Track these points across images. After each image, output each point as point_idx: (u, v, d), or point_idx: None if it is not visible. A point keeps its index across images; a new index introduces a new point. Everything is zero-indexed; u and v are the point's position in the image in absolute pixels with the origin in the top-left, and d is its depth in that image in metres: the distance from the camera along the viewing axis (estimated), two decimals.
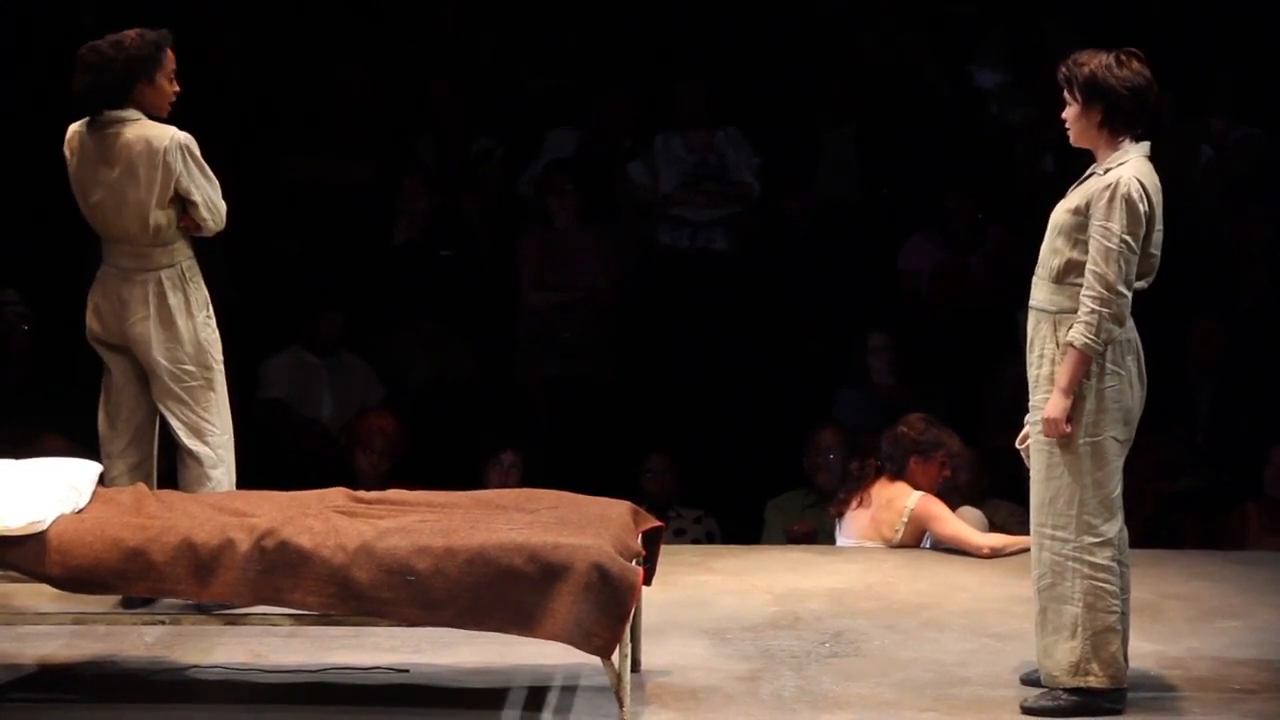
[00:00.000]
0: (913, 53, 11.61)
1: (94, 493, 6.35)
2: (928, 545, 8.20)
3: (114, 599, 6.57)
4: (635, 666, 6.32)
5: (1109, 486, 6.13)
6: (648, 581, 6.37)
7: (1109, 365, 6.08)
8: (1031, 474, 6.24)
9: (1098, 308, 6.01)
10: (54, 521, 6.08)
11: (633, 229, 11.06)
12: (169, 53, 6.86)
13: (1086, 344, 6.01)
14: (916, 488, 8.20)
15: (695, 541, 9.38)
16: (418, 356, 10.64)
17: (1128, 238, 6.03)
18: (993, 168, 11.15)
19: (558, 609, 5.86)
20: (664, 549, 6.70)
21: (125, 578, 6.05)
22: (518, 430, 9.69)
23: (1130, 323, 6.13)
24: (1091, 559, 6.13)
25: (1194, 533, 9.12)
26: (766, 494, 9.50)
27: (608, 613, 5.86)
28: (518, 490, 6.93)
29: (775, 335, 10.53)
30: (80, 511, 6.21)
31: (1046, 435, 6.11)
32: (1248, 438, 9.71)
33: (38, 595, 6.62)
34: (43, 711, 6.21)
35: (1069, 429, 6.06)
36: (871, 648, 6.82)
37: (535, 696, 6.28)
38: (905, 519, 8.16)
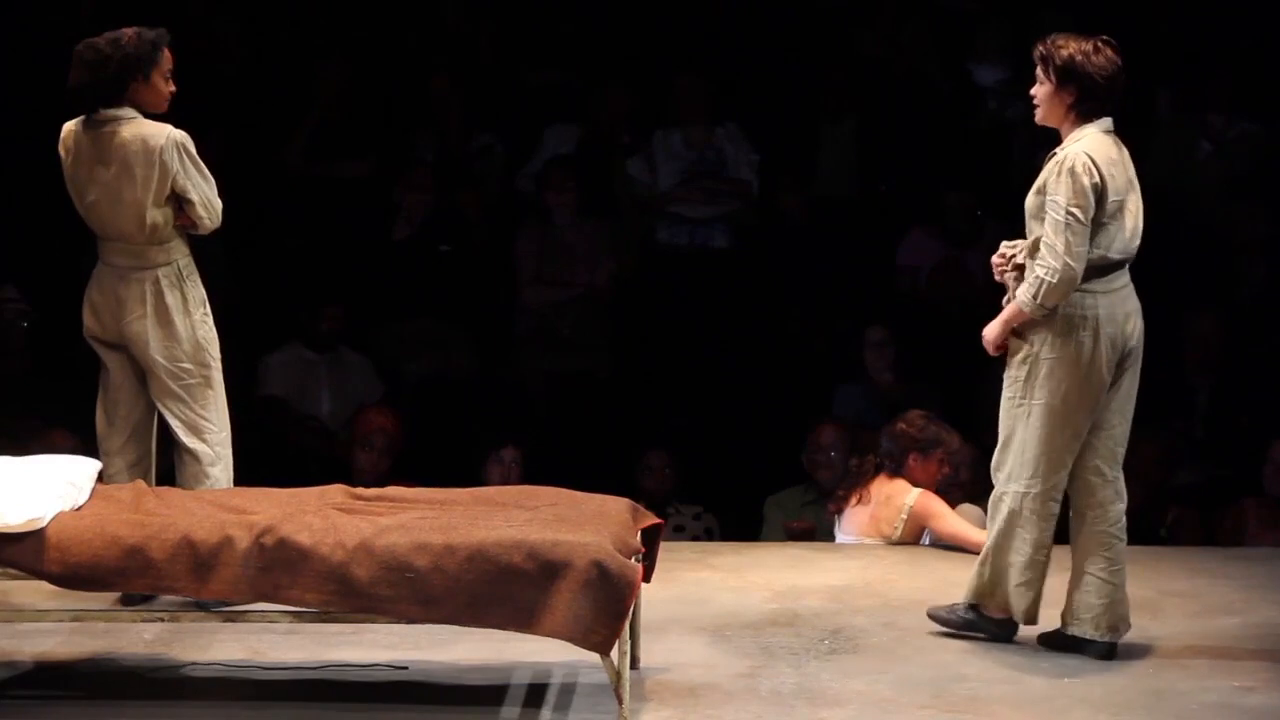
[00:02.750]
0: (911, 49, 11.60)
1: (93, 490, 6.35)
2: (927, 542, 8.20)
3: (113, 596, 6.59)
4: (634, 663, 6.32)
5: (1042, 447, 6.53)
6: (647, 578, 6.37)
7: (1053, 336, 6.46)
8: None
9: (1043, 275, 6.38)
10: (53, 519, 6.08)
11: (632, 226, 11.06)
12: (166, 52, 6.85)
13: (1024, 301, 6.45)
14: (916, 484, 8.20)
15: (694, 538, 9.38)
16: (417, 353, 10.64)
17: (1074, 210, 6.34)
18: (991, 164, 11.14)
19: (557, 606, 5.86)
20: (663, 546, 6.70)
21: (124, 575, 6.05)
22: (516, 427, 9.68)
23: (1096, 300, 6.44)
24: (1010, 504, 6.60)
25: (1192, 529, 9.12)
26: (765, 491, 9.49)
27: (607, 610, 5.86)
28: (517, 487, 6.93)
29: (774, 332, 10.53)
30: (79, 509, 6.20)
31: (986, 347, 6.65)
32: (1246, 433, 9.72)
33: (36, 592, 6.62)
34: (41, 709, 6.21)
35: (994, 353, 6.64)
36: (870, 645, 6.82)
37: (534, 693, 6.28)
38: (904, 516, 8.16)
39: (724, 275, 10.81)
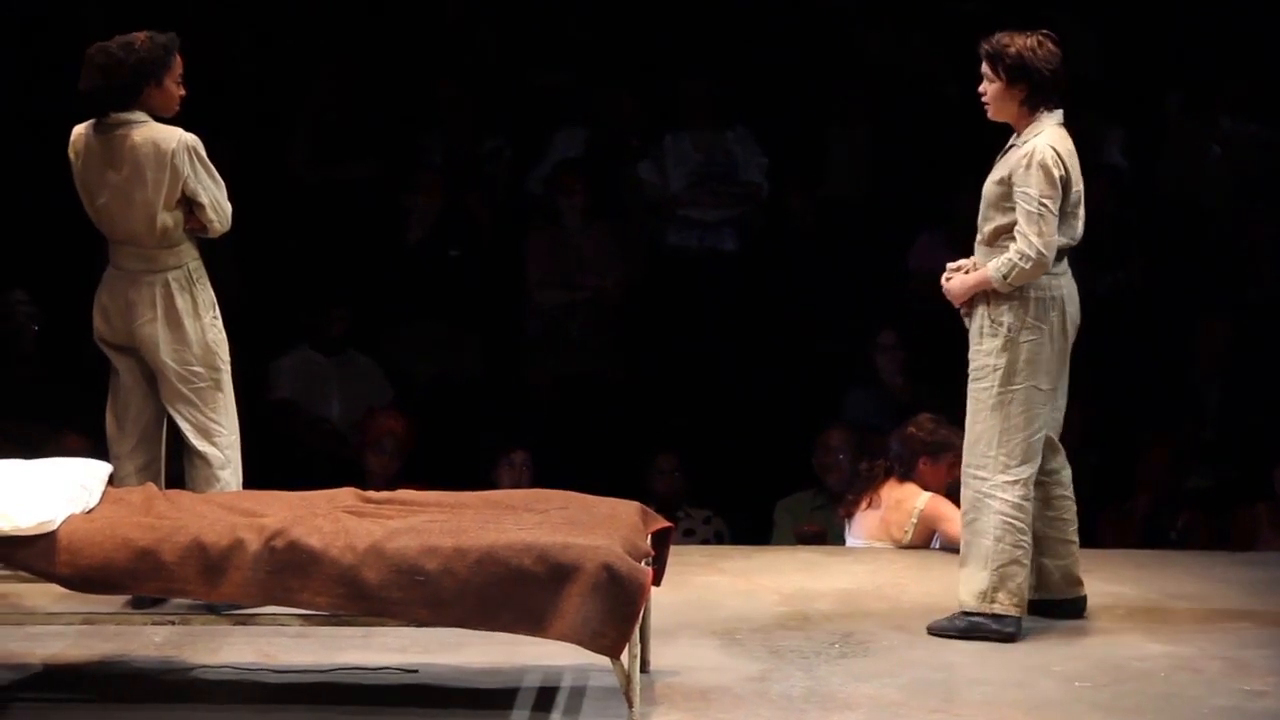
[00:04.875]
0: (920, 51, 11.59)
1: (104, 493, 6.35)
2: (937, 546, 8.19)
3: (123, 599, 6.58)
4: (644, 667, 6.32)
5: (1027, 431, 6.75)
6: (657, 582, 6.37)
7: (1030, 320, 6.73)
8: (966, 418, 6.87)
9: (1017, 260, 6.65)
10: (64, 521, 6.08)
11: (641, 228, 11.06)
12: (177, 56, 6.86)
13: (995, 277, 6.69)
14: (926, 488, 8.19)
15: (704, 542, 9.39)
16: (426, 356, 10.65)
17: (1045, 201, 6.65)
18: None
19: (567, 609, 5.86)
20: (673, 549, 6.70)
21: (135, 577, 6.05)
22: (525, 430, 9.69)
23: (1061, 281, 6.75)
24: (1004, 496, 6.75)
25: (1202, 532, 9.11)
26: (776, 494, 9.49)
27: (617, 613, 5.85)
28: (527, 490, 6.93)
29: (784, 335, 10.52)
30: (90, 511, 6.21)
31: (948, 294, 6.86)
32: (1256, 436, 9.71)
33: (46, 595, 6.63)
34: (51, 711, 6.21)
35: (958, 304, 6.85)
36: (881, 648, 6.81)
37: (544, 697, 6.27)
38: (915, 520, 8.15)
39: (733, 278, 10.80)
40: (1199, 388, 10.22)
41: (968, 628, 6.82)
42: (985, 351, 6.78)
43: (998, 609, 6.76)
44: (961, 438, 8.26)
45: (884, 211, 11.09)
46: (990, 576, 6.76)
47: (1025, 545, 6.79)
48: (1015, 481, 6.76)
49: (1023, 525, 6.77)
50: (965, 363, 6.85)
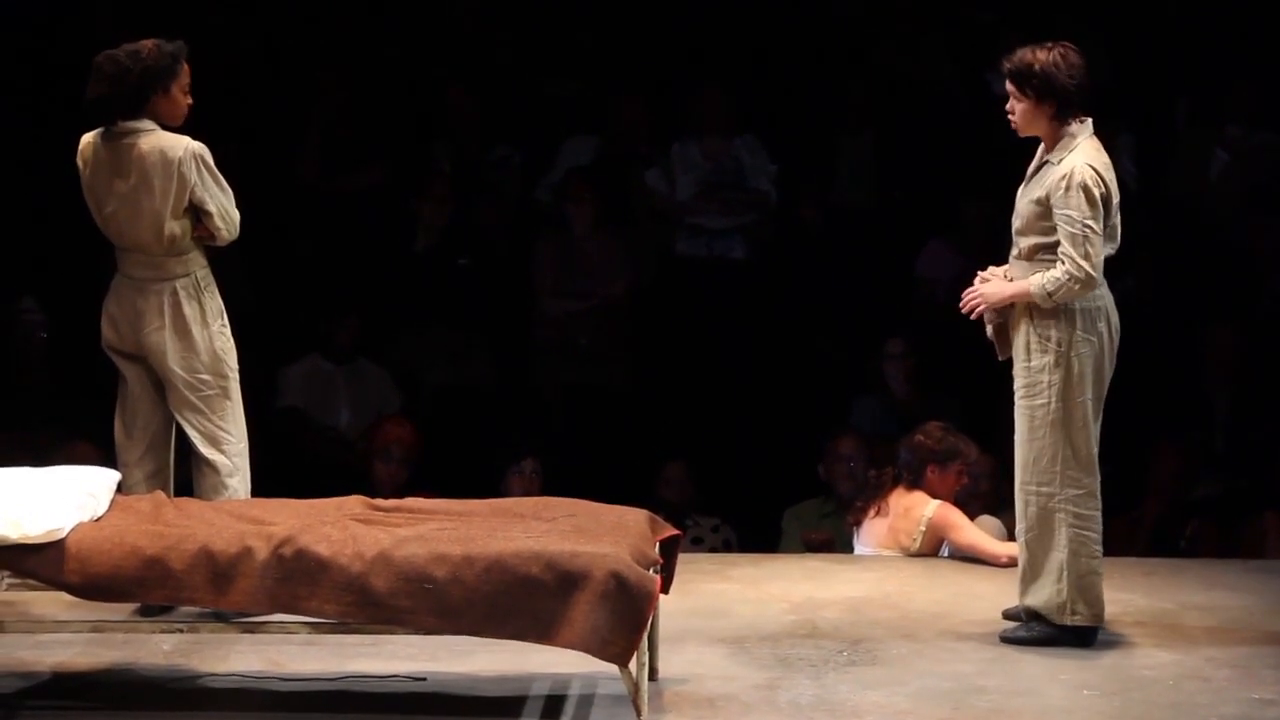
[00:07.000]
0: (930, 59, 11.59)
1: (112, 501, 6.36)
2: (945, 554, 8.19)
3: (132, 607, 6.61)
4: (653, 675, 6.32)
5: (1089, 443, 6.73)
6: (665, 590, 6.37)
7: (1079, 334, 6.69)
8: (1016, 435, 6.82)
9: (1065, 280, 6.60)
10: (72, 529, 6.09)
11: (650, 237, 11.06)
12: (185, 65, 6.87)
13: (1038, 292, 6.64)
14: (934, 496, 8.19)
15: (713, 550, 9.38)
16: (435, 364, 10.65)
17: (1089, 222, 6.61)
18: (1010, 174, 11.10)
19: (575, 617, 5.86)
20: (681, 557, 6.70)
21: (143, 585, 6.06)
22: (534, 438, 9.68)
23: (1102, 291, 6.72)
24: (1077, 510, 6.74)
25: (1212, 541, 9.10)
26: (784, 502, 9.49)
27: (625, 621, 5.86)
28: (535, 499, 6.93)
29: (792, 343, 10.52)
30: (98, 519, 6.21)
31: (972, 302, 6.80)
32: (1266, 444, 9.69)
33: (55, 603, 6.64)
34: (60, 719, 6.21)
35: (980, 309, 6.79)
36: (889, 656, 6.81)
37: (552, 705, 6.28)
38: (923, 528, 8.15)
39: (742, 286, 10.80)
40: (1208, 395, 10.20)
41: (1045, 637, 6.81)
42: (1036, 368, 6.72)
43: (1078, 620, 6.76)
44: (969, 446, 8.32)
45: (892, 219, 11.09)
46: (1069, 589, 6.75)
47: (1099, 555, 6.78)
48: (1085, 494, 6.73)
49: (1096, 536, 6.76)
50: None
